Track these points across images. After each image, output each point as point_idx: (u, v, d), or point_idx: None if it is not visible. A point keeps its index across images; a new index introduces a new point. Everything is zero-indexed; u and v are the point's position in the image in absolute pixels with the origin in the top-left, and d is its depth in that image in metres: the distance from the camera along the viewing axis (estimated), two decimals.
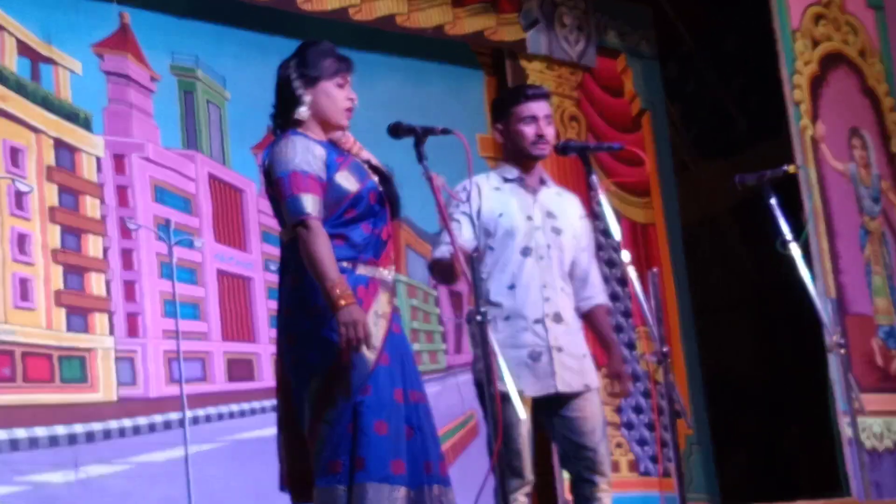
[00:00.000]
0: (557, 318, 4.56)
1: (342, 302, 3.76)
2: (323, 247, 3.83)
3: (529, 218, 4.60)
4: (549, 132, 4.64)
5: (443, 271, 4.53)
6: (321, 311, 3.86)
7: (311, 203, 3.87)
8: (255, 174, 6.41)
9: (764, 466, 8.37)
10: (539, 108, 4.63)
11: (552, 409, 4.58)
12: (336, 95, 4.08)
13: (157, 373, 5.86)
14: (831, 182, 7.53)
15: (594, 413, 4.61)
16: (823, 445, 6.41)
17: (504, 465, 4.43)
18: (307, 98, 4.03)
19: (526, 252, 4.56)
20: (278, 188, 3.92)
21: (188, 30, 6.32)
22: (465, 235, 4.50)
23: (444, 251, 4.50)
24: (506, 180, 4.65)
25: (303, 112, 4.04)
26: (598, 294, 4.74)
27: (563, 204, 4.72)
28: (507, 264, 4.56)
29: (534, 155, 4.64)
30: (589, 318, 4.74)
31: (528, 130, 4.61)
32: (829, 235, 7.37)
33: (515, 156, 4.67)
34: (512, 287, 4.55)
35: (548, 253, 4.58)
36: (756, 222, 5.34)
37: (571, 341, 4.60)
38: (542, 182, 4.70)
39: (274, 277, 5.97)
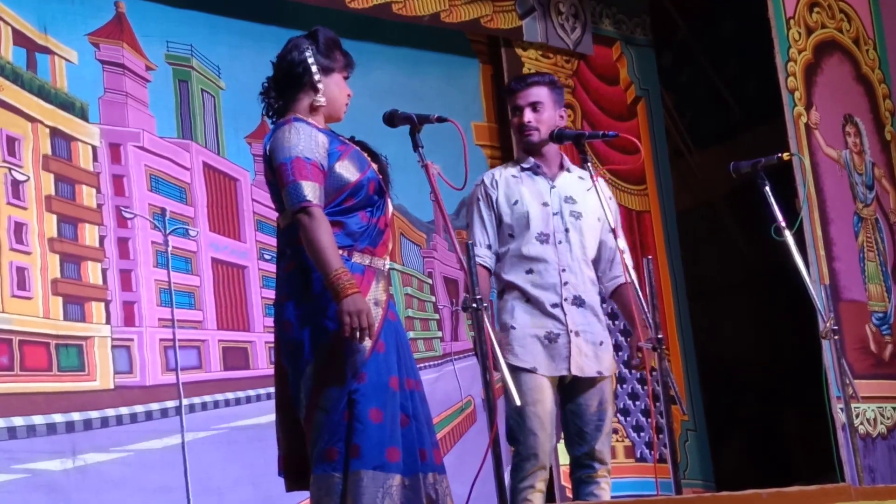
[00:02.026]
0: (578, 301, 4.63)
1: (347, 291, 3.77)
2: (325, 235, 3.83)
3: (545, 204, 4.67)
4: (536, 117, 4.70)
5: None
6: (317, 299, 3.88)
7: (312, 190, 3.87)
8: (249, 163, 6.43)
9: (760, 452, 8.39)
10: (523, 96, 4.74)
11: (567, 392, 4.64)
12: (344, 88, 4.11)
13: (154, 361, 5.88)
14: (825, 169, 7.53)
15: (602, 400, 4.66)
16: (820, 431, 6.42)
17: (519, 448, 4.51)
18: (322, 86, 4.05)
19: (542, 238, 4.64)
20: (280, 174, 3.91)
21: (183, 19, 6.32)
22: (483, 245, 4.64)
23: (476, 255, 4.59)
24: (522, 169, 4.75)
25: (322, 100, 4.04)
26: (620, 274, 4.77)
27: (586, 187, 4.74)
28: (524, 252, 4.64)
29: (524, 143, 4.74)
30: (616, 296, 4.81)
31: (514, 121, 4.77)
32: (823, 222, 7.37)
33: (520, 145, 4.82)
34: (530, 272, 4.63)
35: (566, 237, 4.65)
36: (751, 209, 5.36)
37: (590, 327, 4.66)
38: (563, 167, 4.75)
39: (268, 266, 6.02)
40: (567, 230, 4.66)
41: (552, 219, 4.65)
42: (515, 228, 4.65)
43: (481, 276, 4.51)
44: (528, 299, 4.61)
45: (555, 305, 4.60)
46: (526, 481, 4.53)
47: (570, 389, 4.65)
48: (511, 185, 4.70)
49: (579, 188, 4.75)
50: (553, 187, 4.70)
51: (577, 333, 4.60)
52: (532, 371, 4.54)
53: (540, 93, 4.72)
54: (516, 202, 4.66)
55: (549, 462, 4.62)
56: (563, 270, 4.62)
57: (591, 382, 4.64)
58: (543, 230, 4.64)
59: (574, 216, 4.69)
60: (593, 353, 4.63)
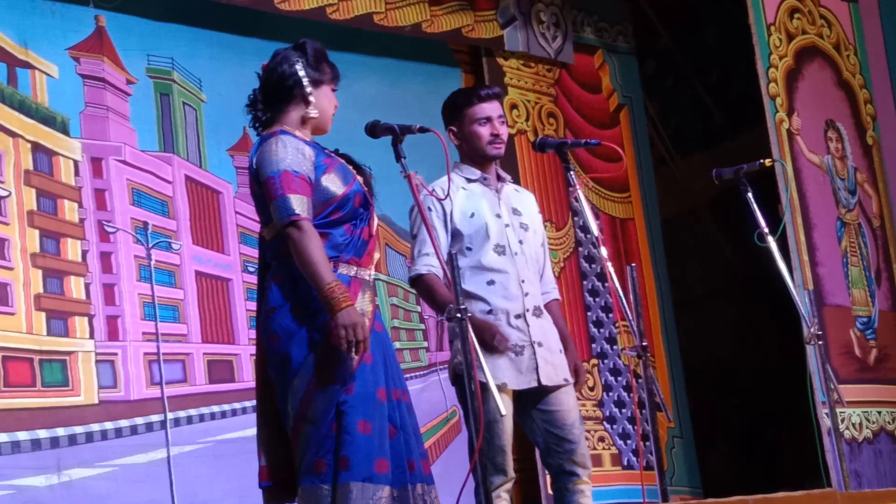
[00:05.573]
0: (537, 311, 4.64)
1: (341, 304, 3.77)
2: (317, 249, 3.83)
3: (498, 216, 4.66)
4: (504, 131, 4.71)
5: (427, 289, 4.56)
6: (304, 311, 3.88)
7: (301, 204, 3.87)
8: (231, 176, 6.42)
9: (746, 458, 8.40)
10: (492, 108, 4.70)
11: (531, 404, 4.61)
12: (332, 100, 4.10)
13: (138, 375, 5.86)
14: (808, 175, 7.55)
15: (573, 406, 4.66)
16: (805, 436, 6.43)
17: (487, 463, 4.46)
18: (314, 99, 4.04)
19: (499, 250, 4.62)
20: (268, 187, 3.90)
21: (164, 32, 6.31)
22: (437, 256, 4.45)
23: (428, 265, 4.54)
24: (469, 181, 4.71)
25: (314, 112, 4.04)
26: (553, 289, 4.84)
27: (523, 200, 4.82)
28: (484, 263, 4.60)
29: (490, 155, 4.71)
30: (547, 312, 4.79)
31: (484, 131, 4.68)
32: (806, 227, 7.39)
33: (472, 157, 4.74)
34: (491, 283, 4.60)
35: (521, 249, 4.65)
36: (734, 215, 5.38)
37: (549, 336, 4.65)
38: (501, 179, 4.76)
39: (252, 279, 5.98)
40: (521, 241, 4.66)
41: (506, 230, 4.65)
42: (474, 240, 4.60)
43: (440, 284, 4.51)
44: (491, 310, 4.56)
45: (518, 316, 4.58)
46: (493, 493, 4.49)
47: (535, 401, 4.60)
48: (464, 197, 4.65)
49: (518, 200, 4.78)
50: (500, 199, 4.71)
51: (539, 344, 4.59)
52: (500, 387, 4.48)
53: (501, 108, 4.75)
54: (473, 214, 4.61)
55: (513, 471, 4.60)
56: (523, 282, 4.62)
57: (560, 390, 4.63)
58: (499, 242, 4.61)
59: (523, 228, 4.70)
60: (557, 362, 4.63)
